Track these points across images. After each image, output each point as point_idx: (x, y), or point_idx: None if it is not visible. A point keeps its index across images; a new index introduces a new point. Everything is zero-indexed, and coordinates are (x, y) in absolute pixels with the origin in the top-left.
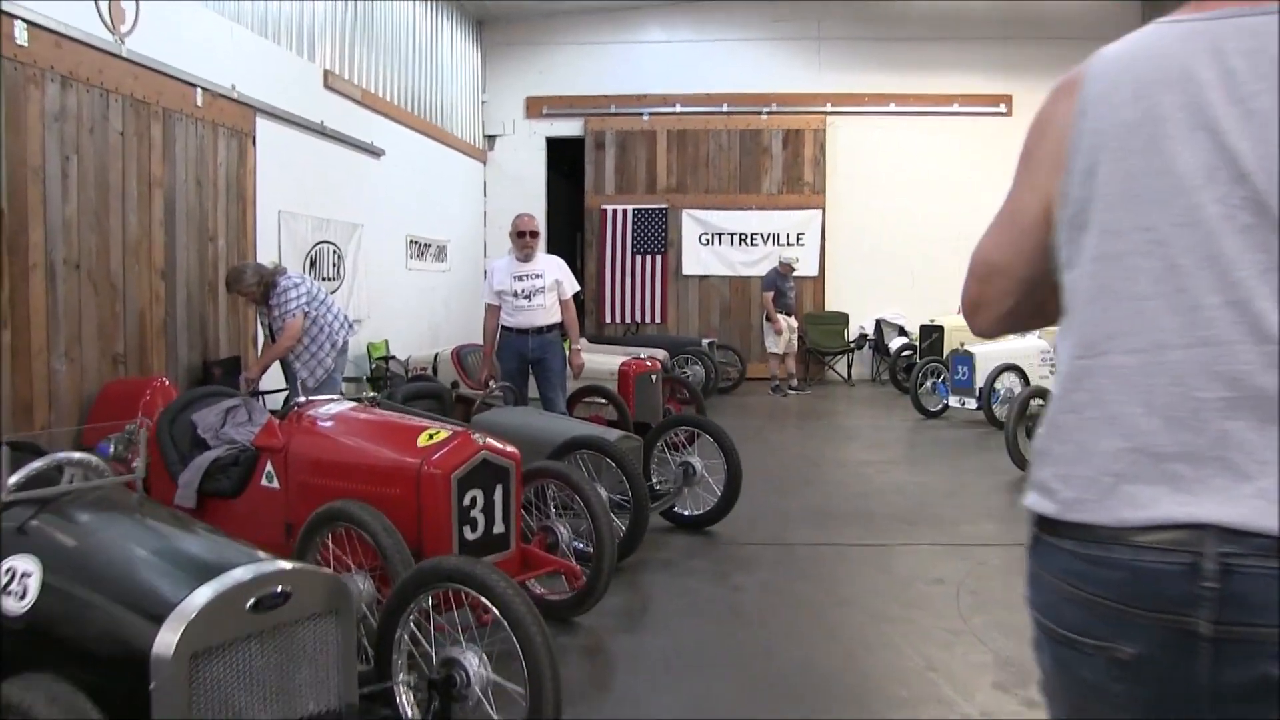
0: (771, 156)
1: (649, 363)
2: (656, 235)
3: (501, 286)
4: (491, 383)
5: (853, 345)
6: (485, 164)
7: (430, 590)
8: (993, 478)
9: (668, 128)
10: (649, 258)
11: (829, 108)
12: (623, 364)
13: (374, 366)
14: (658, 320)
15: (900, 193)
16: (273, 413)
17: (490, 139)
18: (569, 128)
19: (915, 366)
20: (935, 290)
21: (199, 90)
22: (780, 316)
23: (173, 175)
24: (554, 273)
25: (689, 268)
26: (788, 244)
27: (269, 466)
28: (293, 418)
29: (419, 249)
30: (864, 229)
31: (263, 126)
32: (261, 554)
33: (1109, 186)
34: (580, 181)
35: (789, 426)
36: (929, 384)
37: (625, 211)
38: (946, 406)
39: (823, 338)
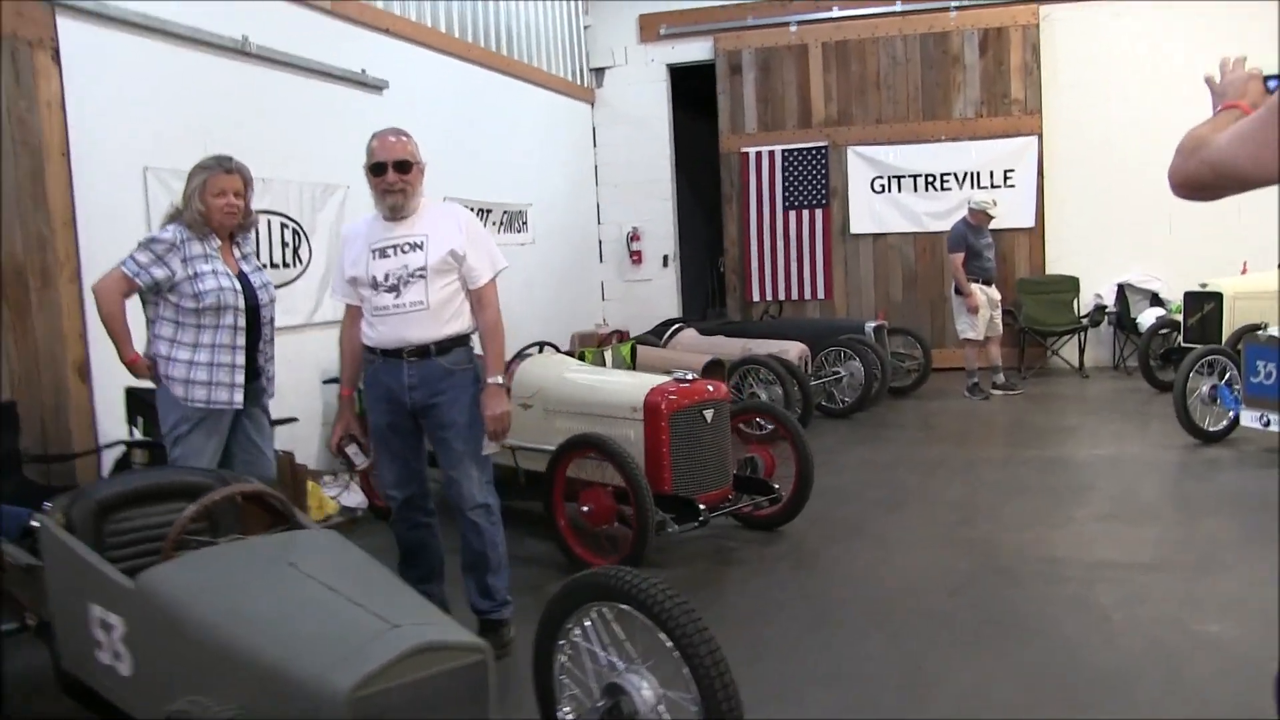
0: (965, 67)
1: (710, 388)
2: (814, 183)
3: (355, 270)
4: (351, 451)
5: (1085, 321)
6: (593, 104)
7: None
8: None
9: (823, 39)
10: (805, 213)
11: None
12: (650, 394)
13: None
14: (819, 295)
15: (1148, 106)
16: None
17: (597, 73)
18: (695, 50)
19: (1184, 360)
20: (1204, 243)
21: None
22: (975, 287)
23: None
24: (447, 238)
25: (859, 224)
26: (991, 185)
27: None
28: None
29: (478, 218)
30: (1097, 160)
31: (91, 35)
32: None
33: None
34: (715, 119)
35: (980, 462)
36: (1205, 387)
37: (772, 154)
38: (1235, 423)
39: (1043, 312)
